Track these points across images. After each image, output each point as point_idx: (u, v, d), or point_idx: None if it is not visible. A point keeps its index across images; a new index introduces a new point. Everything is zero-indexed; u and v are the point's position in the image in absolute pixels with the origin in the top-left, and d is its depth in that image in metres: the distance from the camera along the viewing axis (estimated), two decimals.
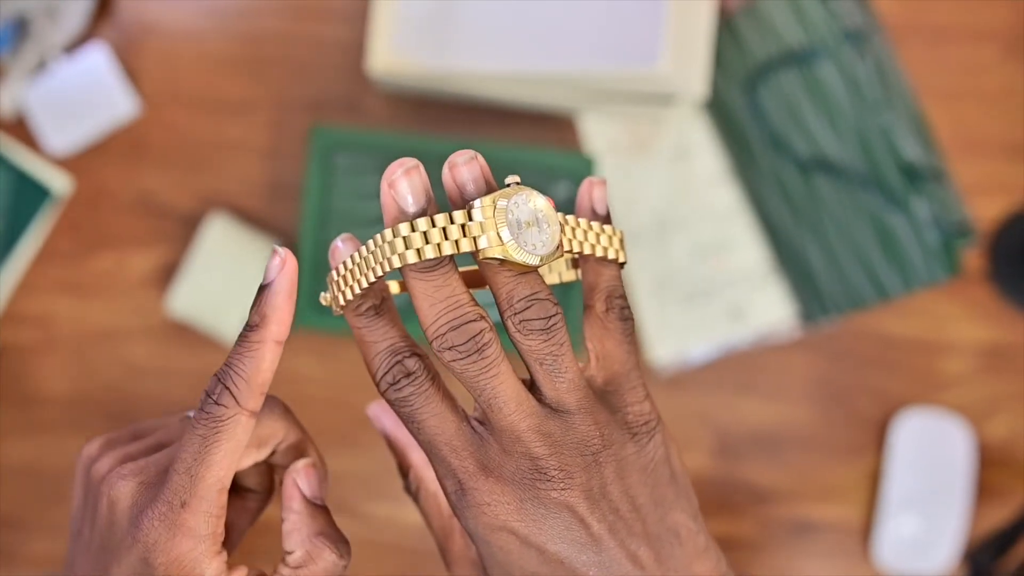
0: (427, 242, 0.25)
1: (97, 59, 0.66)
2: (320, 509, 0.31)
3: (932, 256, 0.64)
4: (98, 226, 0.67)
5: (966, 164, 0.65)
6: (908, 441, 0.64)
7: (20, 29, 0.66)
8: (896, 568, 0.64)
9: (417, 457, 0.35)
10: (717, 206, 0.66)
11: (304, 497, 0.30)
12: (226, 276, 0.63)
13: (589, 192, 0.30)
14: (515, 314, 0.26)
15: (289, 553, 0.30)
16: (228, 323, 0.63)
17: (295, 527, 0.30)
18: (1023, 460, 0.65)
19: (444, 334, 0.26)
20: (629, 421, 0.28)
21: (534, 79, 0.61)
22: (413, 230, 0.26)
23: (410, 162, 0.27)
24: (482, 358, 0.26)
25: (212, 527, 0.27)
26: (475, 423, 0.27)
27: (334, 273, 0.28)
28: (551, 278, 0.32)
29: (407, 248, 0.25)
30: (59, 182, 0.67)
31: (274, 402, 0.31)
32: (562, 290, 0.60)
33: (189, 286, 0.63)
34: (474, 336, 0.26)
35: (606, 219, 0.30)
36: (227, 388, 0.28)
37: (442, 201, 0.27)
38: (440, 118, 0.66)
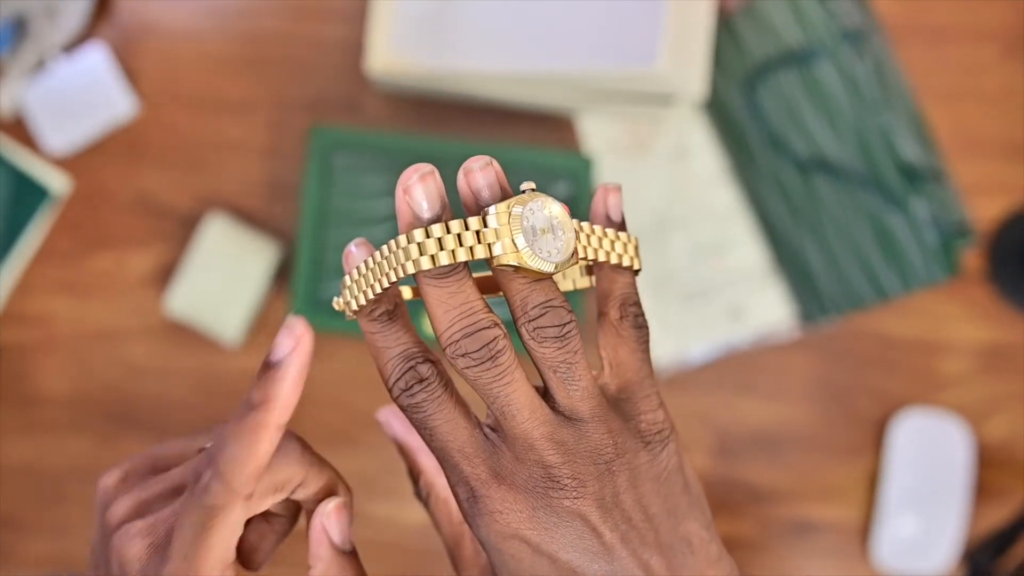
0: (441, 248, 0.25)
1: (96, 59, 0.66)
2: (349, 558, 0.30)
3: (931, 256, 0.64)
4: (97, 226, 0.67)
5: (965, 164, 0.65)
6: (907, 441, 0.64)
7: (19, 29, 0.66)
8: (895, 568, 0.64)
9: (427, 462, 0.34)
10: (716, 206, 0.66)
11: (332, 545, 0.30)
12: (225, 276, 0.63)
13: (604, 199, 0.30)
14: (529, 321, 0.26)
15: None
16: (227, 323, 0.63)
17: None
18: (1022, 460, 0.65)
19: (458, 341, 0.26)
20: (642, 429, 0.28)
21: (533, 79, 0.61)
22: (428, 236, 0.25)
23: (425, 167, 0.26)
24: (495, 365, 0.26)
25: None
26: (488, 430, 0.27)
27: (347, 278, 0.28)
28: (565, 284, 0.32)
29: (421, 254, 0.25)
30: (58, 182, 0.66)
31: (290, 445, 0.30)
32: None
33: (188, 286, 0.63)
34: (488, 343, 0.26)
35: (621, 226, 0.30)
36: (219, 475, 0.27)
37: (456, 205, 0.27)
38: (439, 118, 0.66)
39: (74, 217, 0.67)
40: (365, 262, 0.27)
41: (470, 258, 0.25)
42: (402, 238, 0.26)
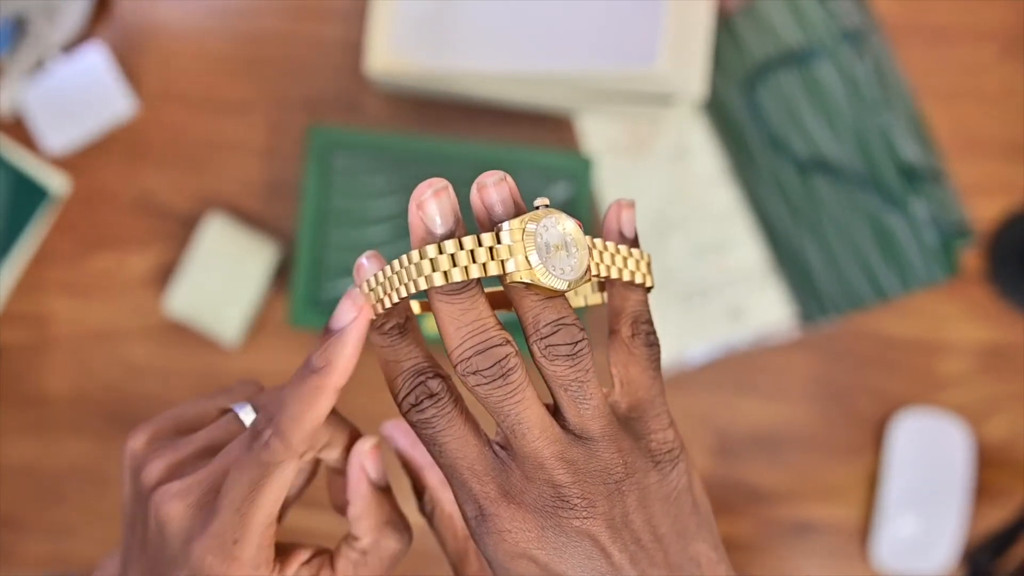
0: (454, 265, 0.25)
1: (95, 59, 0.66)
2: (386, 494, 0.31)
3: (931, 256, 0.64)
4: (96, 226, 0.67)
5: (965, 164, 0.65)
6: (907, 441, 0.64)
7: (18, 29, 0.66)
8: (895, 568, 0.64)
9: (432, 478, 0.34)
10: (716, 206, 0.66)
11: (370, 482, 0.31)
12: (224, 276, 0.63)
13: (617, 215, 0.30)
14: (541, 339, 0.26)
15: (356, 538, 0.30)
16: (226, 323, 0.63)
17: (363, 514, 0.30)
18: (1022, 460, 0.65)
19: (469, 358, 0.26)
20: (652, 449, 0.28)
21: (533, 79, 0.61)
22: (441, 252, 0.25)
23: (439, 183, 0.26)
24: (507, 383, 0.26)
25: (265, 555, 0.28)
26: (497, 448, 0.27)
27: (358, 291, 0.28)
28: (576, 301, 0.32)
29: (434, 270, 0.25)
30: (57, 182, 0.66)
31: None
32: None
33: (187, 286, 0.63)
34: (499, 361, 0.26)
35: (634, 242, 0.30)
36: (278, 433, 0.27)
37: (467, 217, 0.27)
38: (438, 118, 0.66)
39: (73, 217, 0.67)
40: (376, 276, 0.27)
41: (483, 275, 0.25)
42: (415, 253, 0.26)
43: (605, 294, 0.31)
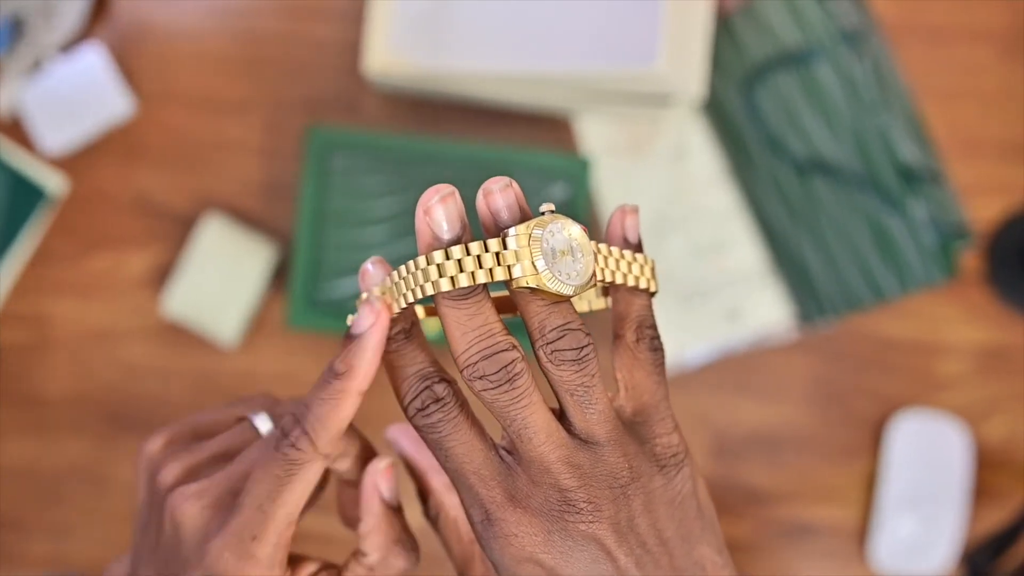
0: (461, 270, 0.25)
1: (93, 59, 0.66)
2: (397, 513, 0.31)
3: (929, 258, 0.63)
4: (94, 226, 0.67)
5: (963, 165, 0.65)
6: (905, 442, 0.64)
7: (15, 29, 0.66)
8: (893, 569, 0.64)
9: (437, 482, 0.34)
10: (714, 207, 0.66)
11: (383, 500, 0.31)
12: (222, 276, 0.63)
13: (622, 220, 0.30)
14: (547, 344, 0.26)
15: (364, 554, 0.31)
16: (224, 323, 0.63)
17: (373, 530, 0.31)
18: (1020, 461, 0.65)
19: (476, 363, 0.26)
20: (657, 453, 0.28)
21: (531, 79, 0.61)
22: (448, 258, 0.25)
23: (446, 189, 0.26)
24: (513, 388, 0.26)
25: (280, 556, 0.28)
26: (503, 452, 0.27)
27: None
28: (580, 306, 0.32)
29: (441, 276, 0.25)
30: (54, 182, 0.66)
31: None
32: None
33: (185, 286, 0.63)
34: (506, 366, 0.26)
35: (638, 247, 0.30)
36: (306, 433, 0.28)
37: (471, 221, 0.27)
38: (436, 118, 0.66)
39: (72, 218, 0.67)
40: (383, 281, 0.27)
41: (490, 280, 0.25)
42: (421, 259, 0.26)
43: (609, 299, 0.31)
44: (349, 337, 0.28)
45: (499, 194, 0.26)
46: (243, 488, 0.28)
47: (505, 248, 0.25)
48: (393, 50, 0.62)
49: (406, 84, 0.63)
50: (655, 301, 0.30)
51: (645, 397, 0.29)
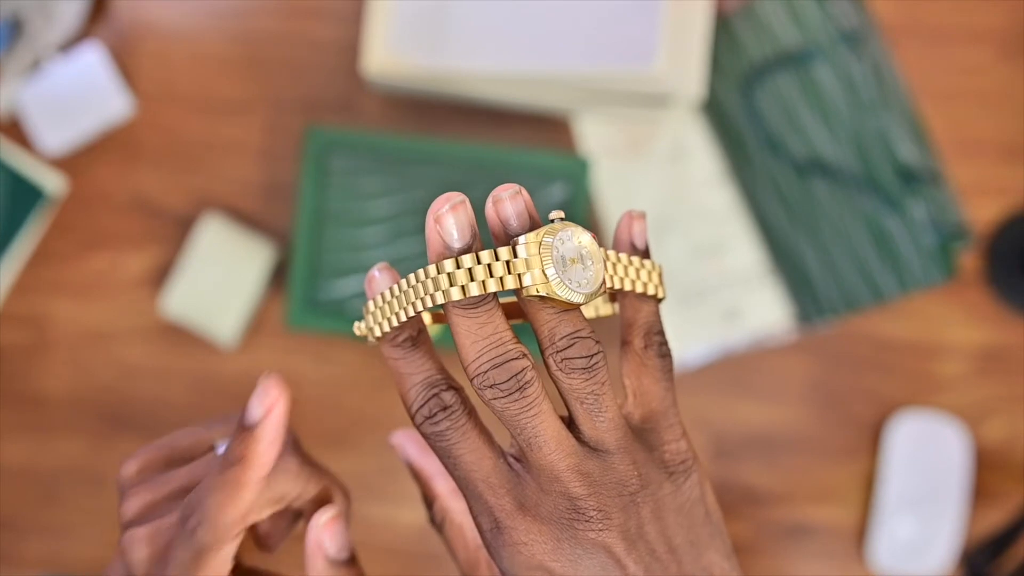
0: (472, 279, 0.25)
1: (91, 59, 0.66)
2: (346, 567, 0.30)
3: (928, 258, 0.63)
4: (92, 226, 0.67)
5: (962, 166, 0.65)
6: (904, 443, 0.64)
7: (14, 29, 0.66)
8: (892, 570, 0.64)
9: (442, 487, 0.34)
10: (713, 207, 0.66)
11: (327, 558, 0.30)
12: (221, 277, 0.63)
13: (629, 226, 0.30)
14: (556, 352, 0.26)
15: None
16: (223, 324, 0.63)
17: None
18: (1019, 462, 0.65)
19: (486, 372, 0.26)
20: (666, 460, 0.28)
21: (530, 80, 0.61)
22: (458, 266, 0.25)
23: (456, 197, 0.26)
24: (523, 396, 0.26)
25: None
26: (511, 460, 0.27)
27: (371, 303, 0.28)
28: (587, 312, 0.32)
29: (451, 285, 0.25)
30: (53, 182, 0.66)
31: (289, 463, 0.30)
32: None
33: (183, 287, 0.63)
34: (516, 374, 0.26)
35: (645, 253, 0.30)
36: (205, 519, 0.27)
37: (479, 226, 0.27)
38: (435, 119, 0.66)
39: (70, 218, 0.67)
40: (391, 289, 0.27)
41: (500, 289, 0.25)
42: (431, 268, 0.26)
43: (616, 305, 0.31)
44: (243, 425, 0.28)
45: (508, 201, 0.26)
46: (167, 558, 0.28)
47: (515, 256, 0.25)
48: (392, 50, 0.62)
49: (405, 84, 0.63)
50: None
51: (654, 404, 0.29)
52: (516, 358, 0.26)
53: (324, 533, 0.30)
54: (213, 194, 0.67)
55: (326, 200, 0.63)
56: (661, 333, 0.29)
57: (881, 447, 0.65)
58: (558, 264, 0.25)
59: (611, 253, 0.28)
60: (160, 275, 0.66)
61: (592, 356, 0.26)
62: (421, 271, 0.26)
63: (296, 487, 0.30)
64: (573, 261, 0.26)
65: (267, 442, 0.27)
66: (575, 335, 0.26)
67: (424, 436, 0.27)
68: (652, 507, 0.27)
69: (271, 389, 0.27)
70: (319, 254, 0.63)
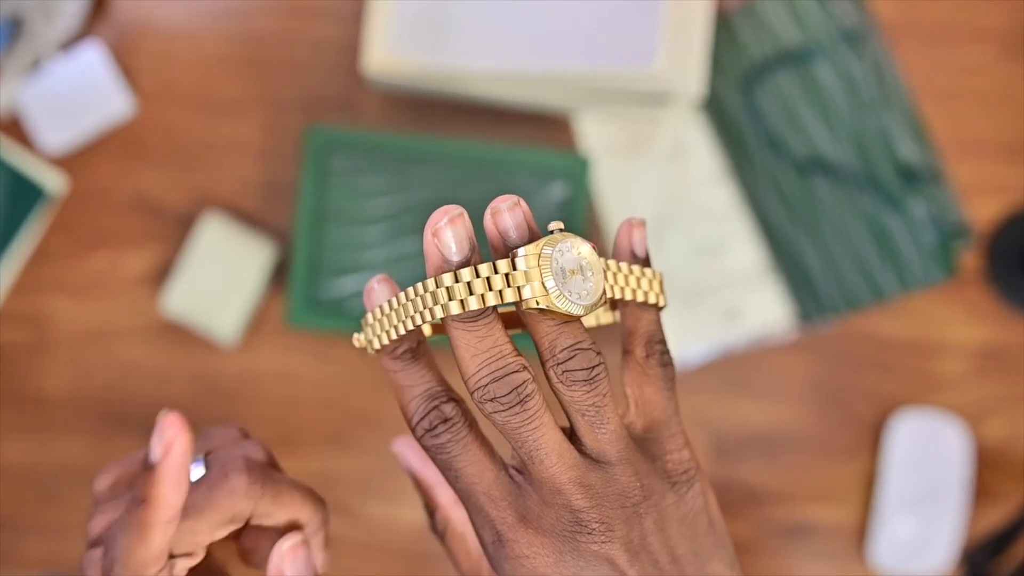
0: (471, 293, 0.25)
1: (92, 58, 0.66)
2: None
3: (929, 257, 0.63)
4: (93, 225, 0.67)
5: (963, 165, 0.65)
6: (905, 442, 0.64)
7: (15, 27, 0.66)
8: (893, 569, 0.64)
9: (444, 496, 0.34)
10: (713, 206, 0.66)
11: None
12: (221, 276, 0.63)
13: (629, 234, 0.29)
14: (557, 364, 0.26)
15: None
16: (223, 323, 0.63)
17: None
18: (1020, 461, 0.65)
19: (486, 385, 0.26)
20: (669, 470, 0.28)
21: (530, 79, 0.61)
22: (457, 280, 0.25)
23: (454, 210, 0.26)
24: (524, 410, 0.26)
25: None
26: (513, 472, 0.27)
27: (369, 316, 0.27)
28: (588, 321, 0.32)
29: (451, 299, 0.25)
30: (54, 181, 0.66)
31: (235, 482, 0.29)
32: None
33: (184, 286, 0.63)
34: (517, 387, 0.26)
35: (645, 261, 0.30)
36: (117, 560, 0.26)
37: (479, 234, 0.27)
38: (435, 118, 0.66)
39: (70, 217, 0.67)
40: (390, 302, 0.27)
41: (499, 302, 0.25)
42: (430, 282, 0.26)
43: (617, 313, 0.31)
44: (146, 465, 0.27)
45: (507, 213, 0.26)
46: None
47: (515, 269, 0.25)
48: (392, 49, 0.62)
49: (405, 83, 0.63)
50: None
51: (656, 413, 0.28)
52: (516, 371, 0.26)
53: (284, 561, 0.29)
54: (213, 193, 0.67)
55: (326, 199, 0.63)
56: (663, 342, 0.29)
57: (881, 446, 0.65)
58: (558, 276, 0.25)
59: (611, 262, 0.27)
60: (160, 274, 0.66)
61: (593, 368, 0.26)
62: (420, 284, 0.26)
63: (248, 506, 0.29)
64: (573, 272, 0.26)
65: (168, 483, 0.26)
66: (576, 347, 0.26)
67: (425, 449, 0.27)
68: (655, 518, 0.27)
69: (166, 429, 0.27)
70: (319, 253, 0.63)
